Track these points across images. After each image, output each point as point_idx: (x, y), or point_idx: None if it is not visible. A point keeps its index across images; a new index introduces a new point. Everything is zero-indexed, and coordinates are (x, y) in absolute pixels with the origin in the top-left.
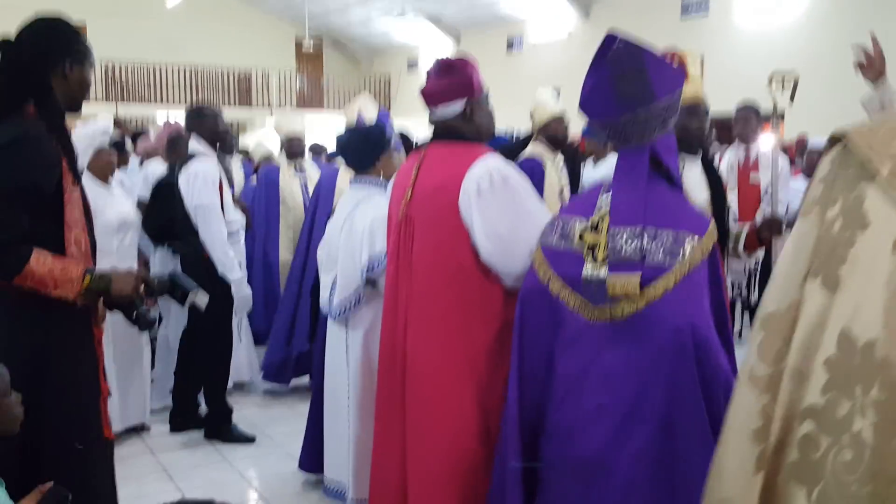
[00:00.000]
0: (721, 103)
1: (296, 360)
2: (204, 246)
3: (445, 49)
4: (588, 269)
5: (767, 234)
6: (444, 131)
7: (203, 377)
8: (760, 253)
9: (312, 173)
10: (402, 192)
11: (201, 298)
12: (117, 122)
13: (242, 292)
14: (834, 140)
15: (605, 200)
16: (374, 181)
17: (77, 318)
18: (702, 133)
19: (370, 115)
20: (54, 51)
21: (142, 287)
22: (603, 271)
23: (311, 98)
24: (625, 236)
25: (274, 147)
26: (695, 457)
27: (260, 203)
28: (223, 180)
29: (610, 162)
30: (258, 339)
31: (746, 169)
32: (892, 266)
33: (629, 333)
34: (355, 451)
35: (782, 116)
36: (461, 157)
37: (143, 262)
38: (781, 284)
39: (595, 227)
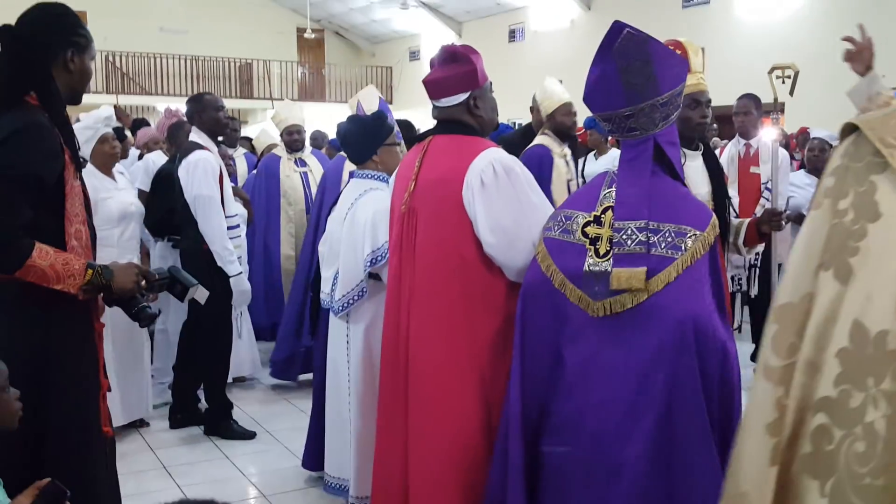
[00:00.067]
0: (722, 95)
1: (303, 356)
2: (203, 238)
3: (447, 38)
4: (590, 263)
5: (767, 227)
6: (447, 123)
7: (203, 373)
8: (760, 246)
9: (314, 166)
10: (405, 183)
11: (201, 294)
12: (118, 112)
13: (241, 287)
14: (845, 131)
15: (607, 194)
16: (375, 174)
17: (78, 313)
18: (704, 125)
19: (370, 106)
20: (56, 40)
21: (143, 281)
22: (605, 265)
23: (312, 89)
24: (630, 230)
25: (277, 138)
26: (692, 447)
27: (260, 195)
28: (223, 172)
29: (611, 156)
30: (259, 335)
31: (747, 162)
32: None
33: (630, 327)
34: (357, 447)
35: (782, 109)
36: (464, 149)
37: (145, 253)
38: (794, 277)
39: (598, 221)
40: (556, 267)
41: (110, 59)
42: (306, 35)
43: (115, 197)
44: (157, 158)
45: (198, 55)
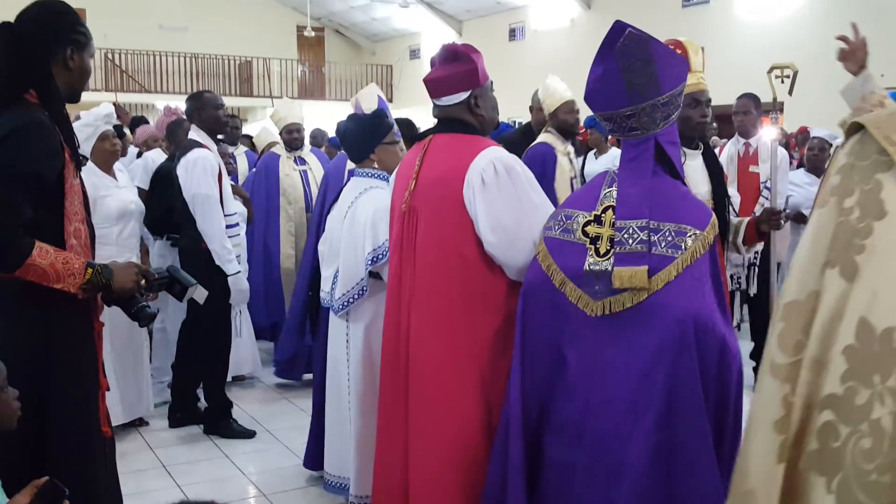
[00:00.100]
0: (721, 95)
1: (307, 356)
2: (202, 237)
3: (447, 37)
4: (590, 262)
5: (766, 226)
6: (447, 121)
7: (202, 372)
8: (759, 245)
9: (314, 164)
10: (406, 182)
11: (199, 294)
12: (116, 109)
13: (239, 286)
14: (851, 130)
15: (607, 194)
16: (375, 172)
17: (78, 313)
18: (704, 124)
19: (369, 105)
20: (56, 38)
21: (142, 281)
22: (605, 264)
23: (312, 87)
24: (631, 229)
25: (277, 136)
26: (692, 446)
27: (260, 193)
28: (223, 171)
29: (611, 155)
30: (258, 334)
31: (746, 161)
32: None
33: (631, 326)
34: (357, 447)
35: (781, 109)
36: (465, 147)
37: (145, 251)
38: (800, 274)
39: (598, 221)
40: (556, 266)
41: (110, 56)
42: (306, 33)
43: (114, 195)
44: (157, 156)
45: (197, 53)
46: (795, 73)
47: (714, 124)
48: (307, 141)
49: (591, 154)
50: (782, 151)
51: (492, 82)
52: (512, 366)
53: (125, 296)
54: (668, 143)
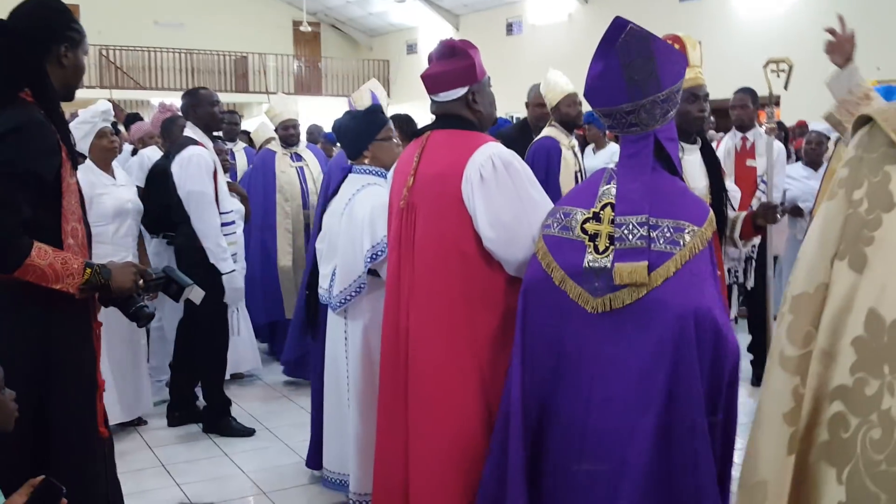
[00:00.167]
0: (718, 89)
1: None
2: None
3: (444, 32)
4: (589, 259)
5: (763, 220)
6: (445, 117)
7: (200, 370)
8: (757, 239)
9: (310, 160)
10: (404, 179)
11: (196, 294)
12: (113, 105)
13: (234, 284)
14: (859, 122)
15: (605, 191)
16: (373, 169)
17: (78, 313)
18: (702, 119)
19: (363, 102)
20: (50, 35)
21: (140, 281)
22: (605, 261)
23: (309, 83)
24: (631, 225)
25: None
26: (691, 443)
27: (256, 190)
28: (218, 168)
29: (610, 150)
30: (256, 332)
31: (743, 155)
32: None
33: (631, 323)
34: (357, 445)
35: (778, 102)
36: (463, 144)
37: (144, 250)
38: (809, 267)
39: (597, 218)
40: (556, 264)
41: (104, 53)
42: (302, 28)
43: (111, 193)
44: (153, 154)
45: (193, 49)
46: (791, 68)
47: (711, 118)
48: (303, 137)
49: (588, 149)
50: (779, 145)
51: (489, 78)
52: (512, 364)
53: (123, 296)
54: (666, 139)
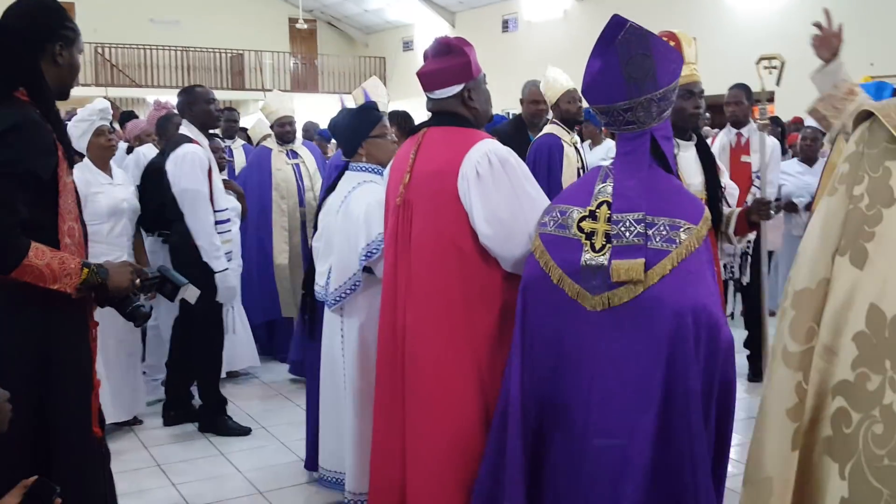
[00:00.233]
0: (713, 85)
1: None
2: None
3: (440, 29)
4: (587, 258)
5: (756, 217)
6: (441, 115)
7: (195, 369)
8: (752, 235)
9: (306, 157)
10: (400, 176)
11: (191, 293)
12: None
13: (226, 283)
14: (860, 118)
15: (601, 189)
16: (369, 166)
17: (75, 313)
18: (697, 115)
19: (359, 101)
20: (44, 34)
21: (137, 280)
22: (602, 259)
23: (305, 80)
24: (628, 222)
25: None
26: (689, 440)
27: (252, 188)
28: (213, 166)
29: (606, 146)
30: (253, 330)
31: (738, 151)
32: None
33: (629, 321)
34: (353, 444)
35: (770, 99)
36: (459, 140)
37: (142, 249)
38: (810, 262)
39: (593, 216)
40: (553, 262)
41: (100, 51)
42: (298, 25)
43: (106, 192)
44: (148, 151)
45: (189, 46)
46: (783, 64)
47: (707, 114)
48: (299, 134)
49: (585, 145)
50: (773, 141)
51: (485, 75)
52: (511, 363)
53: (120, 295)
54: (662, 137)
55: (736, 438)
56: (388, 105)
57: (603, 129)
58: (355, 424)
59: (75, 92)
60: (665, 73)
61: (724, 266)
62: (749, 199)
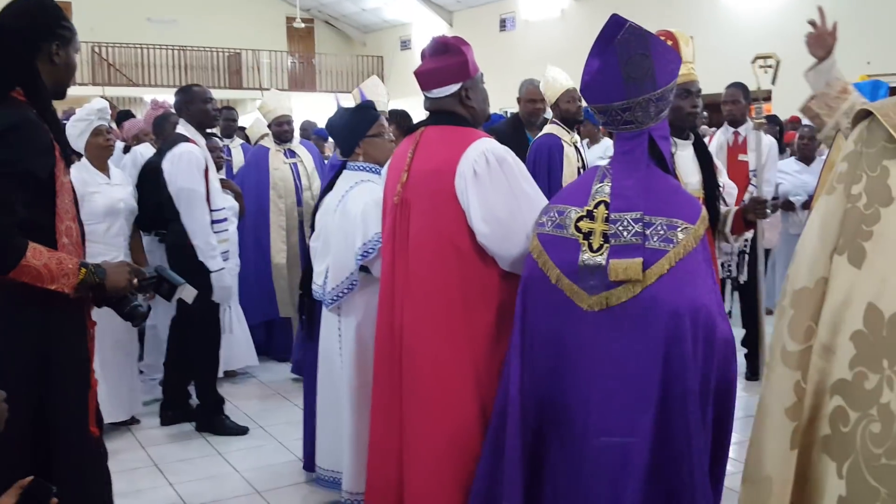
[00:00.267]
0: (711, 84)
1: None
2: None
3: (438, 28)
4: (584, 258)
5: (753, 215)
6: (439, 114)
7: (193, 368)
8: (749, 234)
9: (304, 156)
10: (398, 175)
11: (188, 293)
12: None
13: (222, 283)
14: (859, 117)
15: (599, 189)
16: (367, 165)
17: (74, 312)
18: (695, 114)
19: (356, 100)
20: (40, 33)
21: (135, 280)
22: (600, 259)
23: (302, 79)
24: (626, 221)
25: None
26: (688, 439)
27: (250, 187)
28: (209, 166)
29: (604, 145)
30: (251, 330)
31: (735, 149)
32: None
33: (627, 321)
34: (351, 443)
35: (767, 98)
36: (457, 139)
37: (142, 249)
38: (809, 261)
39: (590, 216)
40: (551, 262)
41: (97, 50)
42: (295, 24)
43: (103, 192)
44: (146, 151)
45: (186, 45)
46: (778, 63)
47: (704, 113)
48: (297, 133)
49: (583, 144)
50: (770, 139)
51: (482, 74)
52: (510, 363)
53: (118, 295)
54: (660, 137)
55: (734, 437)
56: (388, 104)
57: (601, 127)
58: (353, 424)
59: (72, 91)
60: (664, 73)
61: (722, 265)
62: (746, 197)
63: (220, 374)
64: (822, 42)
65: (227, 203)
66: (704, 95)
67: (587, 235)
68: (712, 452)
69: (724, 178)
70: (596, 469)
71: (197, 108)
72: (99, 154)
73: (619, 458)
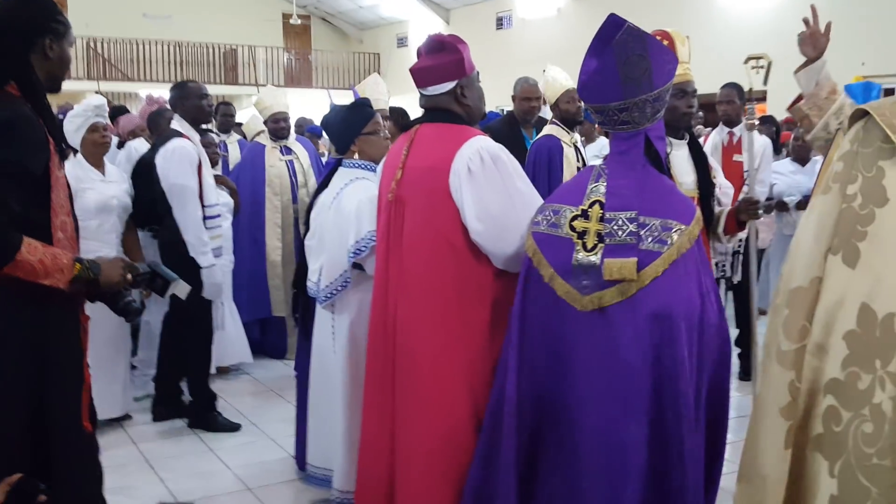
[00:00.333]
0: (706, 84)
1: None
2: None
3: (434, 25)
4: (579, 256)
5: (745, 216)
6: (434, 111)
7: (185, 364)
8: (742, 234)
9: (300, 153)
10: (393, 172)
11: (181, 289)
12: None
13: (212, 279)
14: (855, 117)
15: (594, 188)
16: (362, 163)
17: (69, 308)
18: (690, 114)
19: (362, 93)
20: (33, 27)
21: (129, 276)
22: (594, 257)
23: (299, 75)
24: (621, 220)
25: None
26: (678, 440)
27: (246, 184)
28: (203, 162)
29: (600, 143)
30: (245, 327)
31: (730, 150)
32: None
33: (620, 321)
34: (344, 442)
35: (761, 98)
36: (451, 137)
37: (138, 245)
38: (804, 261)
39: (585, 215)
40: (545, 261)
41: (92, 45)
42: (292, 21)
43: (95, 188)
44: (140, 146)
45: (181, 41)
46: (770, 64)
47: (700, 113)
48: (293, 130)
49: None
50: (765, 140)
51: (478, 73)
52: (507, 363)
53: (112, 290)
54: (656, 137)
55: (727, 437)
56: (388, 102)
57: (597, 126)
58: (345, 422)
59: (67, 86)
60: (661, 73)
61: (716, 264)
62: (741, 197)
63: (213, 371)
64: (814, 42)
65: (221, 199)
66: (700, 95)
67: (581, 235)
68: (707, 453)
69: (720, 178)
70: (593, 470)
71: (192, 103)
72: (95, 150)
73: (614, 458)
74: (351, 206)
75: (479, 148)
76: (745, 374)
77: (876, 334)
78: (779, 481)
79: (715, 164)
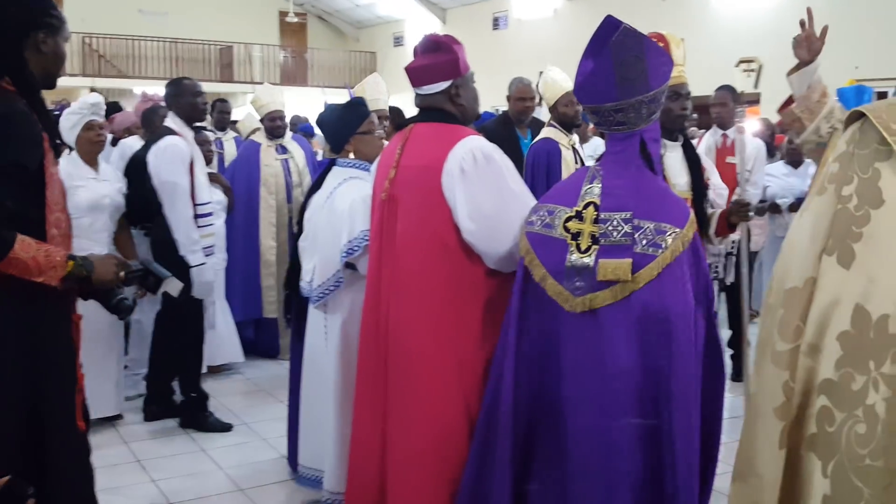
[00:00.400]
0: (700, 86)
1: None
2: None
3: (431, 25)
4: (572, 258)
5: (736, 218)
6: (428, 111)
7: (177, 364)
8: (735, 235)
9: (295, 151)
10: (386, 171)
11: (174, 286)
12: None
13: (202, 278)
14: (851, 118)
15: (588, 190)
16: (356, 162)
17: (62, 305)
18: (684, 117)
19: (360, 93)
20: (27, 22)
21: (122, 273)
22: (588, 259)
23: (294, 73)
24: (616, 221)
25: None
26: (670, 442)
27: (240, 183)
28: (196, 159)
29: (594, 143)
30: (238, 326)
31: (724, 152)
32: None
33: (613, 323)
34: (336, 442)
35: (757, 100)
36: (445, 137)
37: (132, 243)
38: (799, 261)
39: (579, 216)
40: (538, 261)
41: (87, 41)
42: (288, 19)
43: (87, 186)
44: (134, 144)
45: (177, 38)
46: (760, 67)
47: (694, 115)
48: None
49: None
50: (758, 142)
51: (473, 73)
52: (503, 363)
53: (104, 288)
54: (651, 139)
55: (721, 437)
56: (387, 101)
57: (590, 126)
58: (337, 422)
59: (62, 82)
60: (656, 75)
61: (710, 266)
62: (733, 200)
63: (204, 370)
64: (809, 45)
65: (214, 197)
66: (694, 98)
67: (575, 236)
68: (700, 455)
69: (715, 180)
70: (586, 471)
71: (186, 101)
72: (89, 149)
73: (609, 461)
74: (344, 205)
75: (473, 147)
76: (737, 376)
77: (870, 335)
78: (773, 481)
79: (710, 165)
